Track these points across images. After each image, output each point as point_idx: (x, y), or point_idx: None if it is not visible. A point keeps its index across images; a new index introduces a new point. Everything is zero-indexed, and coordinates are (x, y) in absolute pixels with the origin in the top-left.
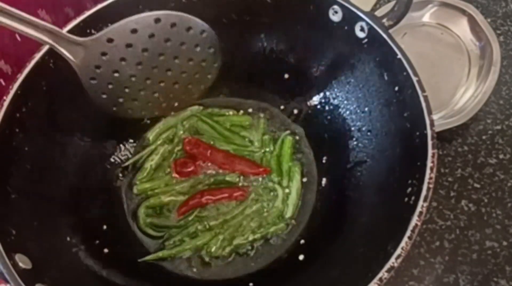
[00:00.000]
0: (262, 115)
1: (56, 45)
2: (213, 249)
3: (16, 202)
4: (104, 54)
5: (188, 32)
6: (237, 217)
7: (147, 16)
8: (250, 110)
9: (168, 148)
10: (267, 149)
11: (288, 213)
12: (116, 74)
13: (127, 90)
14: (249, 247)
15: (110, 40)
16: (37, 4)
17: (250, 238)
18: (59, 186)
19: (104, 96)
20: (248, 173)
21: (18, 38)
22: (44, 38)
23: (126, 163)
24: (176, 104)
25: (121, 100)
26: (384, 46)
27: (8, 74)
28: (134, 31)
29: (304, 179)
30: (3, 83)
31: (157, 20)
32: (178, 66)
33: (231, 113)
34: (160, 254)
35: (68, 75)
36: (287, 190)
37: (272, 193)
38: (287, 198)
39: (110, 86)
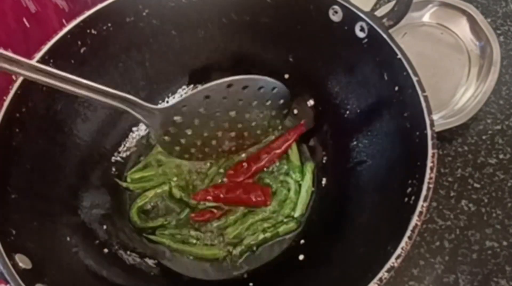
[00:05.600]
0: None
1: (133, 112)
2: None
3: (16, 202)
4: (177, 116)
5: (259, 91)
6: (248, 220)
7: (220, 83)
8: None
9: None
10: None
11: (298, 212)
12: (188, 132)
13: (199, 142)
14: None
15: (184, 106)
16: None
17: (261, 237)
18: (59, 186)
19: (177, 148)
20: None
21: (27, 24)
22: (121, 105)
23: (134, 169)
24: (245, 146)
25: (193, 150)
26: (384, 46)
27: None
28: (207, 97)
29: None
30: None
31: (230, 85)
32: (249, 119)
33: None
34: (165, 241)
35: None
36: (297, 185)
37: (284, 192)
38: (298, 195)
39: (182, 140)
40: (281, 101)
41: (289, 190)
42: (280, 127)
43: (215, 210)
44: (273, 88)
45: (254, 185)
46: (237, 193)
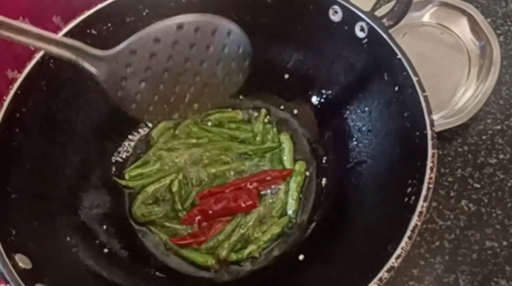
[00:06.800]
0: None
1: (78, 60)
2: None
3: (16, 202)
4: (128, 65)
5: (213, 35)
6: (243, 228)
7: (169, 22)
8: (250, 109)
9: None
10: (268, 140)
11: (291, 209)
12: (142, 84)
13: (156, 97)
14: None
15: (132, 52)
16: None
17: (261, 243)
18: (59, 186)
19: (134, 105)
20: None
21: None
22: (65, 53)
23: (131, 167)
24: (209, 104)
25: (151, 108)
26: (384, 46)
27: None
28: (156, 40)
29: (307, 173)
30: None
31: (179, 27)
32: (206, 70)
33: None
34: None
35: (68, 75)
36: (287, 186)
37: (275, 198)
38: (288, 193)
39: (138, 96)
40: (240, 50)
41: (277, 196)
42: (241, 83)
43: (199, 233)
44: (229, 33)
45: (239, 191)
46: (225, 204)
